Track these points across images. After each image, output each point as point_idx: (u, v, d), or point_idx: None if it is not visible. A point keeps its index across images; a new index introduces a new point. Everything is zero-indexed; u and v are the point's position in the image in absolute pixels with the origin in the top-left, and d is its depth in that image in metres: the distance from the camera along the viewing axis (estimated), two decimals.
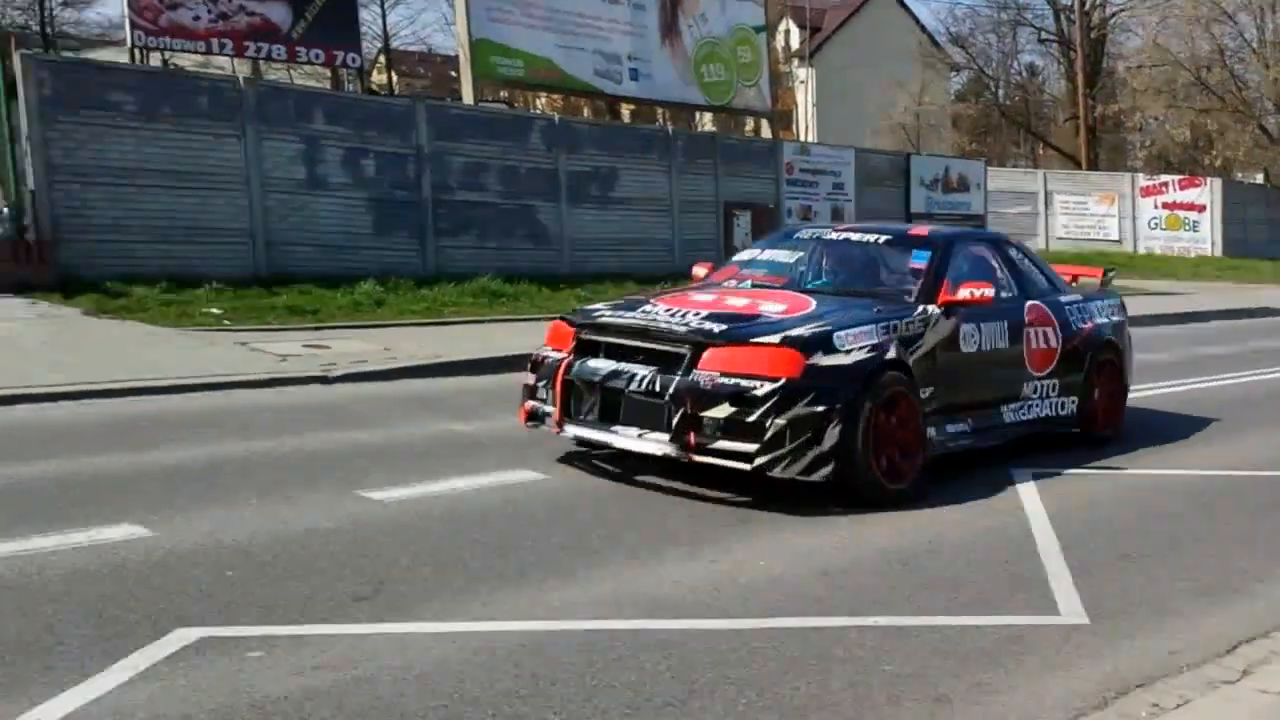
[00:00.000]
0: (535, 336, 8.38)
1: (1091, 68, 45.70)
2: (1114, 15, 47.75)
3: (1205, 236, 36.83)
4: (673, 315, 6.79)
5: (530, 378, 7.22)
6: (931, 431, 7.00)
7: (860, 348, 6.53)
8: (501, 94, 25.18)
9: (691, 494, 6.60)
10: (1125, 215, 37.48)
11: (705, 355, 6.39)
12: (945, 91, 55.70)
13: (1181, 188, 37.46)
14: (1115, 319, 9.12)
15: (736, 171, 22.21)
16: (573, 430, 6.82)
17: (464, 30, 20.44)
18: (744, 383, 6.22)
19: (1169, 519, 6.66)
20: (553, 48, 21.35)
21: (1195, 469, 7.92)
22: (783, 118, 39.13)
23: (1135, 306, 20.56)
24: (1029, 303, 8.15)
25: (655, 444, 6.40)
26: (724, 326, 6.57)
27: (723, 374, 6.28)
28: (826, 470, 6.28)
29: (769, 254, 8.48)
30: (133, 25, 17.44)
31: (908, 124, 50.06)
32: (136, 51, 17.70)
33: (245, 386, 9.56)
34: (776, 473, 6.22)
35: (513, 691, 3.91)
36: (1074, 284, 9.45)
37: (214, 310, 12.92)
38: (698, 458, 6.30)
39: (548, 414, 6.96)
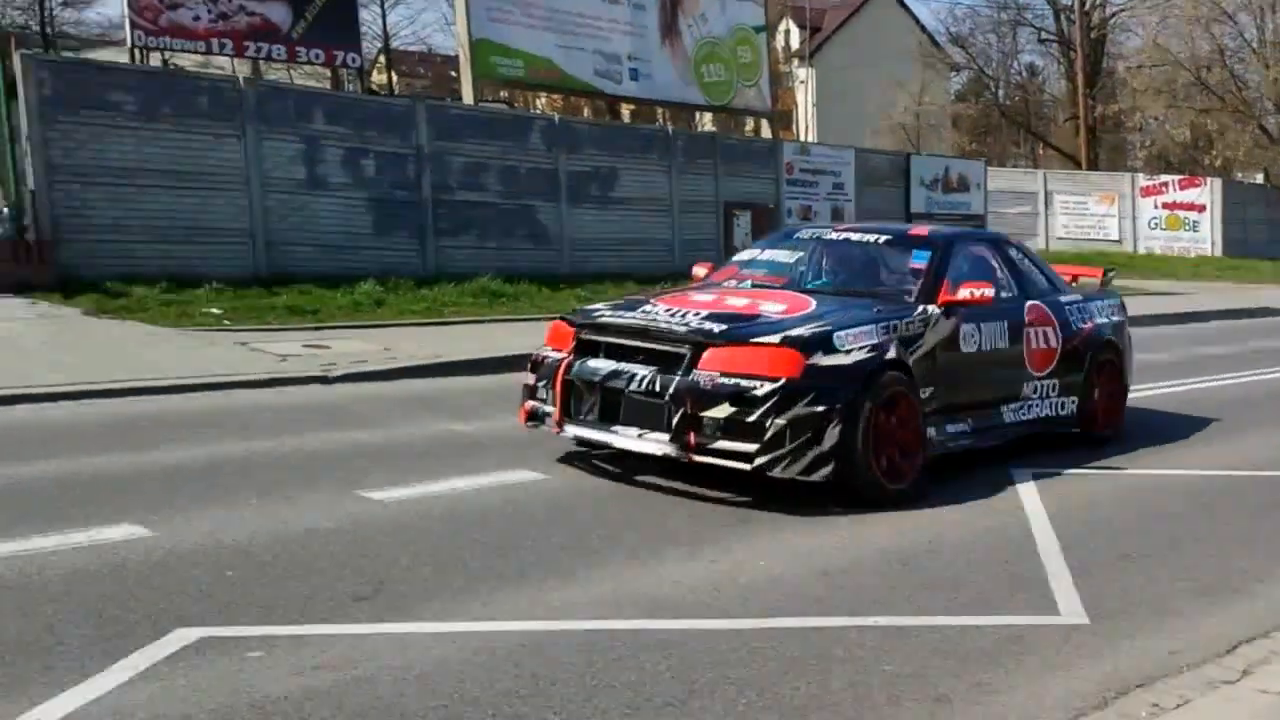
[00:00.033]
0: (535, 336, 8.38)
1: (1091, 68, 45.71)
2: (1114, 15, 47.79)
3: (1205, 236, 36.84)
4: (673, 315, 6.80)
5: (530, 378, 7.22)
6: (931, 431, 7.01)
7: (860, 348, 6.54)
8: (501, 94, 25.19)
9: (691, 494, 6.60)
10: (1125, 215, 37.49)
11: (705, 355, 6.40)
12: (945, 91, 55.72)
13: (1181, 188, 37.47)
14: (1115, 319, 9.13)
15: (736, 171, 22.22)
16: (572, 430, 6.82)
17: (464, 30, 20.45)
18: (744, 383, 6.23)
19: (1169, 519, 6.66)
20: (553, 48, 21.35)
21: (1195, 469, 7.92)
22: (783, 118, 39.13)
23: (1135, 306, 20.55)
24: (1029, 303, 8.15)
25: (655, 444, 6.41)
26: (724, 326, 6.58)
27: (723, 374, 6.29)
28: (826, 470, 6.29)
29: (769, 254, 8.48)
30: (133, 25, 17.45)
31: (908, 124, 50.07)
32: (136, 51, 17.71)
33: (245, 386, 9.56)
34: (777, 473, 6.22)
35: (513, 691, 3.91)
36: (1074, 284, 9.44)
37: (214, 310, 12.92)
38: (698, 458, 6.31)
39: (548, 414, 6.96)
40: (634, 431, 6.50)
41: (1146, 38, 44.21)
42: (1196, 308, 21.29)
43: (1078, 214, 37.70)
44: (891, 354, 6.69)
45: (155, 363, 10.07)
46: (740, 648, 4.39)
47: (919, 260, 7.69)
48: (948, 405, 7.20)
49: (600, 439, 6.75)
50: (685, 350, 6.47)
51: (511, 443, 7.65)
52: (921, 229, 8.43)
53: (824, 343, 6.44)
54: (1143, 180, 38.39)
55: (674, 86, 23.74)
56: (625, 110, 31.55)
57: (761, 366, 6.28)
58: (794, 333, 6.47)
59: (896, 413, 6.66)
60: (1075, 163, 44.65)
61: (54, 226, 13.75)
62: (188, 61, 21.88)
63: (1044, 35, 52.76)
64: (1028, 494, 7.02)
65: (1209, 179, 38.27)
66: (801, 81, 55.50)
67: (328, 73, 24.93)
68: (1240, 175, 44.51)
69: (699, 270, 8.62)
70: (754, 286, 7.80)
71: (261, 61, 22.66)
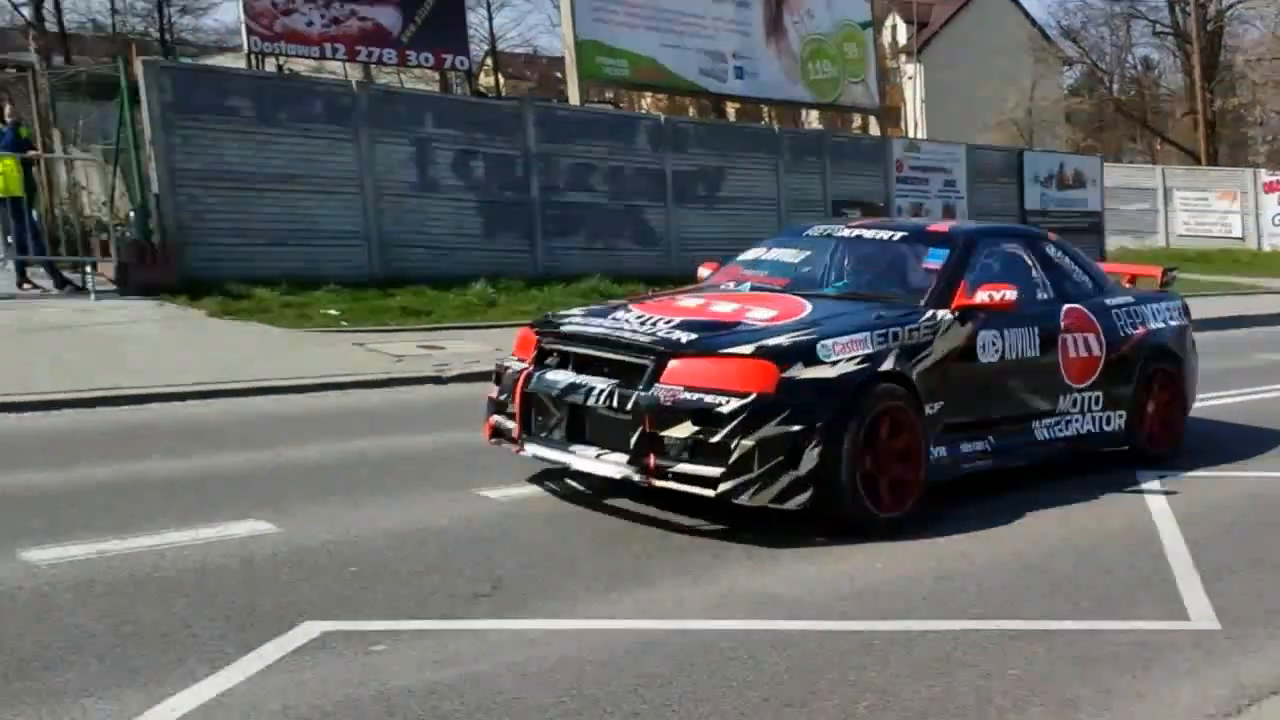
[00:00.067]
0: None
1: (1209, 61, 44.40)
2: (1230, 7, 46.34)
3: None
4: (643, 323, 6.20)
5: (494, 390, 6.62)
6: (941, 451, 6.35)
7: (849, 358, 5.89)
8: (607, 94, 25.29)
9: None
10: (1248, 212, 36.25)
11: (669, 367, 5.77)
12: (1058, 86, 54.57)
13: None
14: (1174, 323, 8.21)
15: (845, 170, 21.98)
16: (531, 449, 6.23)
17: (569, 31, 20.57)
18: (708, 398, 5.59)
19: None
20: (657, 47, 21.36)
21: None
22: (891, 115, 38.69)
23: (1253, 305, 19.98)
24: (1066, 306, 7.37)
25: (613, 466, 5.80)
26: (693, 336, 5.96)
27: (686, 388, 5.66)
28: (803, 498, 5.68)
29: (774, 253, 7.77)
30: (249, 31, 17.88)
31: (1020, 120, 49.15)
32: (252, 57, 18.15)
33: (362, 386, 9.76)
34: (744, 500, 5.59)
35: (631, 689, 3.93)
36: (1131, 285, 8.76)
37: (332, 311, 13.19)
38: (657, 482, 5.69)
39: (510, 429, 6.39)
40: (593, 452, 5.91)
41: (1265, 30, 42.77)
42: None
43: (1199, 211, 36.57)
44: (888, 365, 6.05)
45: (277, 363, 10.33)
46: (860, 649, 4.36)
47: (934, 260, 7.00)
48: (962, 422, 6.53)
49: (558, 459, 6.14)
50: (648, 362, 5.84)
51: None
52: (943, 225, 7.77)
53: (805, 353, 5.81)
54: (1265, 176, 37.09)
55: (780, 84, 23.60)
56: (730, 109, 31.49)
57: (730, 380, 5.66)
58: (770, 342, 5.86)
59: (892, 431, 6.02)
60: (1194, 158, 43.39)
61: (178, 230, 14.14)
62: (301, 66, 22.36)
63: (1159, 28, 51.38)
64: (1154, 497, 6.85)
65: None
66: (909, 78, 54.81)
67: (436, 76, 25.29)
68: None
69: (703, 271, 7.96)
70: (753, 289, 7.15)
71: (372, 65, 23.06)
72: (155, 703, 3.67)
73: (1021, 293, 6.87)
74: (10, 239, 13.20)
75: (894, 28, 54.88)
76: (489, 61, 44.99)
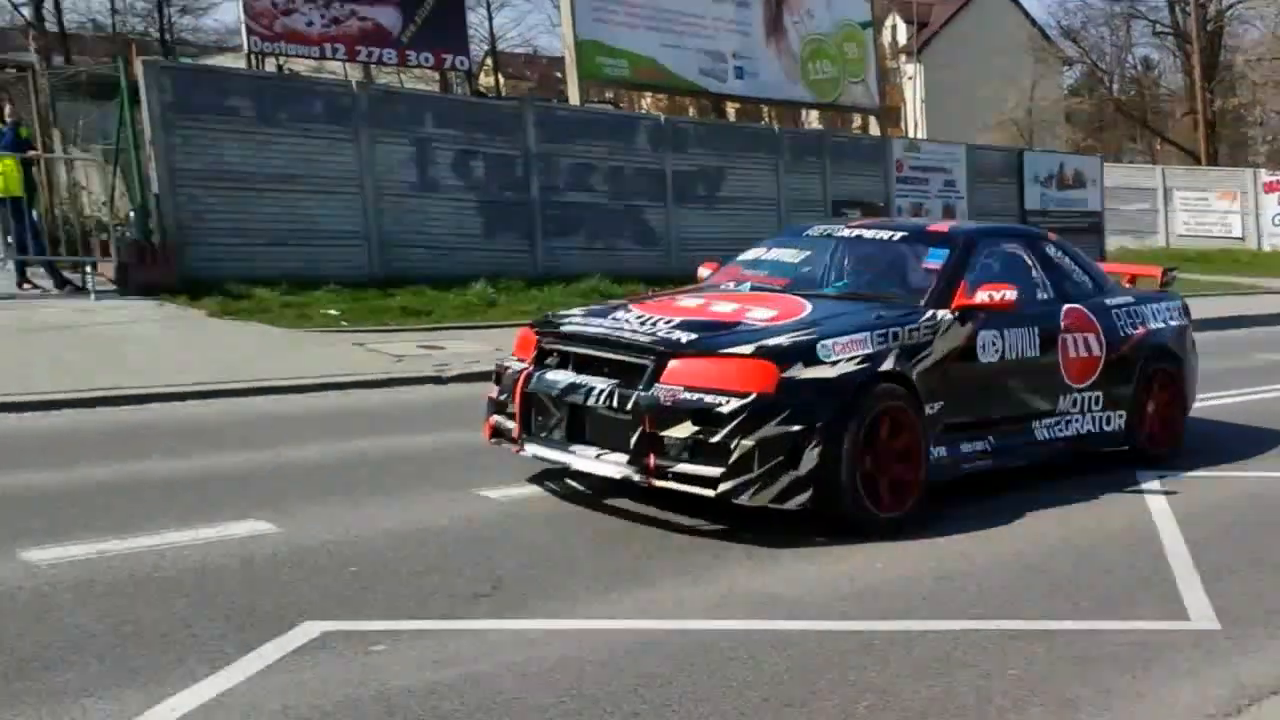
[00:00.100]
0: None
1: (1209, 61, 44.39)
2: (1230, 7, 46.33)
3: None
4: (643, 323, 6.19)
5: (494, 390, 6.61)
6: (941, 451, 6.34)
7: (849, 358, 5.89)
8: (607, 94, 25.30)
9: None
10: (1248, 212, 36.24)
11: (669, 367, 5.76)
12: (1058, 86, 54.56)
13: None
14: (1174, 323, 8.18)
15: (845, 170, 21.99)
16: (532, 449, 6.22)
17: (569, 31, 20.57)
18: (708, 398, 5.58)
19: None
20: (657, 47, 21.36)
21: None
22: (891, 115, 38.70)
23: (1253, 305, 19.98)
24: (1066, 306, 7.35)
25: (613, 466, 5.80)
26: (693, 335, 5.95)
27: (686, 388, 5.65)
28: (803, 498, 5.67)
29: (774, 253, 7.73)
30: (249, 31, 17.87)
31: (1019, 120, 49.16)
32: (252, 57, 18.14)
33: (362, 386, 9.76)
34: (744, 500, 5.59)
35: (631, 689, 3.93)
36: (1130, 285, 8.72)
37: (332, 311, 13.20)
38: (657, 482, 5.68)
39: (510, 429, 6.38)
40: (593, 452, 5.91)
41: (1265, 30, 42.78)
42: None
43: (1199, 211, 36.56)
44: (888, 365, 6.05)
45: (277, 363, 10.33)
46: (860, 649, 4.36)
47: (934, 260, 6.98)
48: (963, 422, 6.52)
49: (559, 459, 6.13)
50: (648, 362, 5.83)
51: None
52: (942, 225, 7.71)
53: (806, 353, 5.80)
54: (1265, 176, 37.08)
55: (780, 84, 23.60)
56: (730, 109, 31.51)
57: (730, 380, 5.65)
58: (771, 342, 5.85)
59: (892, 431, 6.01)
60: (1194, 158, 43.38)
61: (178, 230, 14.13)
62: (301, 66, 22.36)
63: (1159, 28, 51.38)
64: (1154, 497, 6.85)
65: None
66: (909, 78, 54.81)
67: (436, 76, 25.29)
68: None
69: (703, 271, 7.91)
70: (752, 289, 7.13)
71: (372, 65, 23.06)
72: (155, 703, 3.68)
73: (1021, 293, 6.86)
74: (10, 239, 13.21)
75: (894, 28, 54.88)
76: (489, 61, 44.98)
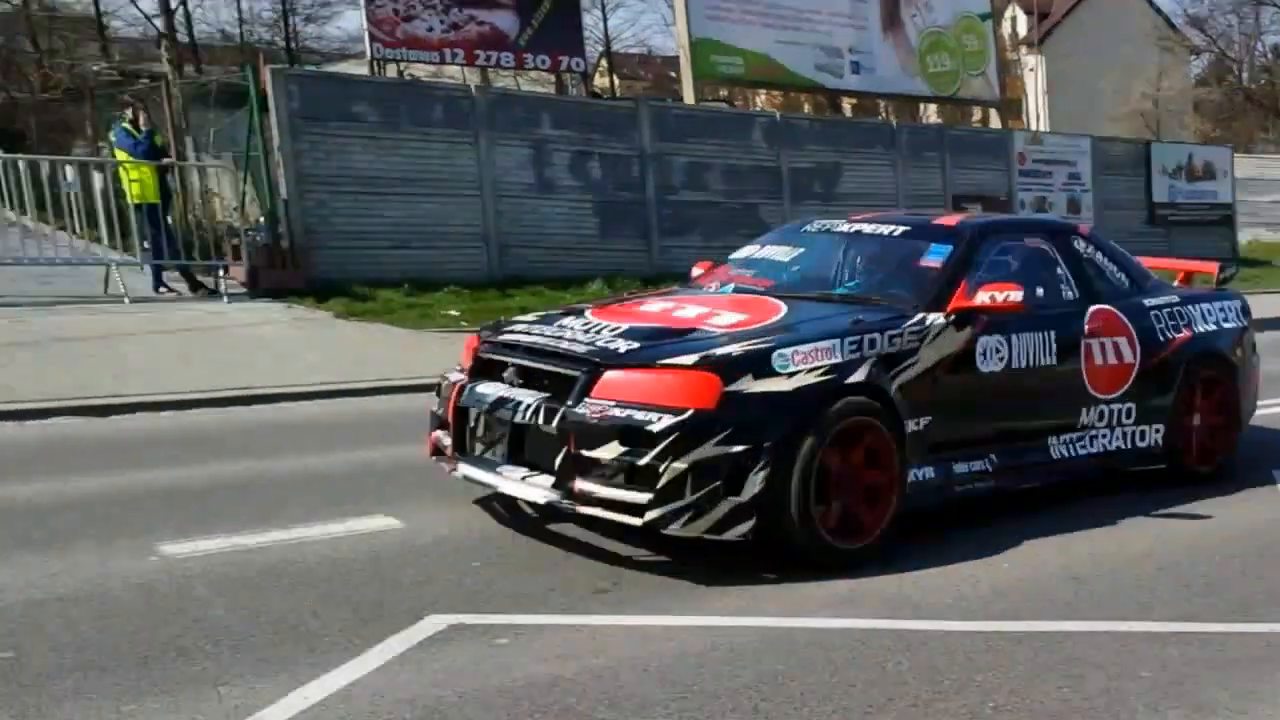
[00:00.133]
0: None
1: None
2: None
3: None
4: (587, 330, 5.62)
5: (435, 403, 6.12)
6: (927, 472, 5.67)
7: (810, 369, 5.22)
8: (721, 93, 25.25)
9: None
10: None
11: (601, 380, 5.17)
12: (1185, 76, 52.88)
13: None
14: (1229, 326, 7.33)
15: (965, 164, 21.61)
16: (463, 470, 5.65)
17: (683, 30, 20.59)
18: (639, 415, 4.97)
19: None
20: (772, 44, 21.25)
21: None
22: (1012, 107, 37.93)
23: None
24: (1094, 308, 6.62)
25: (539, 490, 5.22)
26: (634, 345, 5.34)
27: (617, 404, 5.06)
28: (744, 528, 5.01)
29: (767, 251, 7.12)
30: (372, 38, 18.24)
31: (1146, 111, 47.75)
32: (375, 63, 18.51)
33: None
34: (675, 530, 4.96)
35: (752, 686, 3.91)
36: (1186, 283, 7.97)
37: (452, 312, 13.40)
38: (582, 509, 5.11)
39: (447, 447, 5.89)
40: (520, 473, 5.35)
41: None
42: None
43: None
44: (858, 376, 5.36)
45: (400, 362, 10.53)
46: (986, 650, 4.28)
47: (934, 257, 6.29)
48: (956, 439, 5.84)
49: (487, 481, 5.52)
50: (579, 374, 5.25)
51: None
52: (951, 218, 6.98)
53: (758, 364, 5.16)
54: None
55: (897, 78, 23.29)
56: (846, 104, 31.22)
57: (666, 394, 5.04)
58: (719, 352, 5.22)
59: (859, 451, 5.34)
60: None
61: (305, 233, 14.50)
62: (421, 71, 22.76)
63: None
64: None
65: None
66: (1031, 70, 53.62)
67: (552, 78, 25.52)
68: None
69: (695, 270, 7.35)
70: (736, 290, 6.57)
71: (489, 69, 23.37)
72: (287, 691, 3.77)
73: (1042, 293, 6.44)
74: (147, 244, 13.65)
75: (1014, 19, 53.77)
76: (604, 63, 45.25)
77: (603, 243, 17.13)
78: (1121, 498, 6.46)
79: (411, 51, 18.90)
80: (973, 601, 4.83)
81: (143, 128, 13.67)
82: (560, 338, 5.60)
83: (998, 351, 6.02)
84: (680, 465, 4.90)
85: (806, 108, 36.88)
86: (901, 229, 6.72)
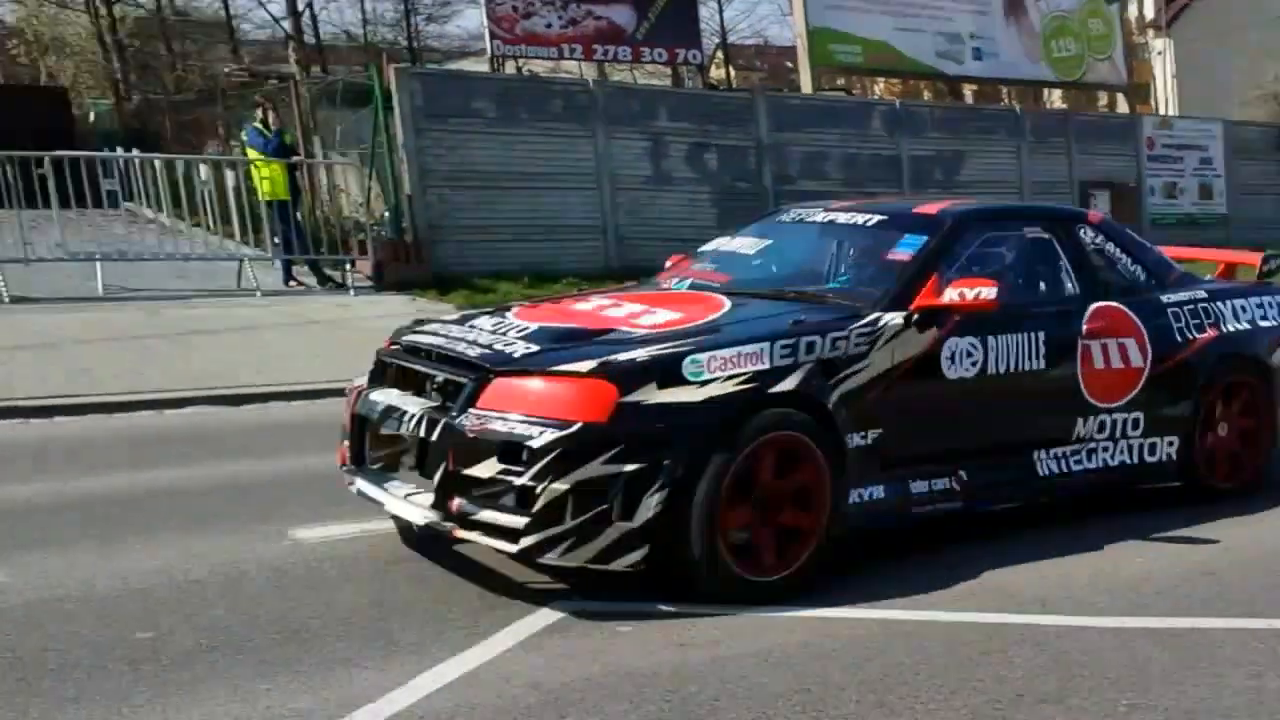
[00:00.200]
0: None
1: None
2: None
3: None
4: (496, 330, 5.06)
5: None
6: (875, 492, 5.03)
7: (728, 377, 4.61)
8: (838, 81, 25.01)
9: None
10: None
11: (489, 387, 4.61)
12: None
13: None
14: (1267, 324, 6.53)
15: (1091, 149, 21.09)
16: (357, 484, 5.11)
17: (800, 20, 20.44)
18: (520, 429, 4.41)
19: None
20: (890, 31, 20.98)
21: None
22: (1139, 91, 36.83)
23: None
24: (1096, 305, 5.89)
25: (419, 509, 4.67)
26: (533, 348, 4.77)
27: (500, 415, 4.50)
28: (635, 557, 4.42)
29: (735, 243, 6.52)
30: (491, 35, 18.44)
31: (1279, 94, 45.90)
32: (495, 60, 18.76)
33: None
34: (553, 558, 4.41)
35: (877, 679, 3.88)
36: (1227, 276, 7.32)
37: None
38: (460, 532, 4.56)
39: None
40: (404, 490, 4.84)
41: None
42: None
43: None
44: (786, 385, 4.72)
45: None
46: (1119, 647, 4.18)
47: (904, 249, 5.57)
48: (914, 454, 5.18)
49: (375, 496, 4.95)
50: (468, 380, 4.69)
51: None
52: (933, 205, 6.10)
53: (666, 370, 4.54)
54: None
55: (1020, 64, 22.80)
56: (967, 91, 30.63)
57: (553, 405, 4.47)
58: (622, 357, 4.60)
59: (782, 469, 4.72)
60: None
61: (428, 228, 14.79)
62: (539, 67, 22.97)
63: None
64: None
65: None
66: (1159, 53, 51.95)
67: (668, 71, 25.55)
68: None
69: (668, 263, 6.75)
70: (691, 286, 5.97)
71: (607, 63, 23.48)
72: (415, 674, 3.85)
73: (1039, 288, 5.96)
74: (278, 239, 14.04)
75: (1140, 1, 52.15)
76: (720, 54, 45.11)
77: (720, 233, 17.08)
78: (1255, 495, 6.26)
79: (530, 48, 19.09)
80: (1104, 596, 4.71)
81: (273, 127, 14.06)
82: (462, 339, 5.02)
83: (969, 355, 5.32)
84: (560, 486, 4.33)
85: (926, 95, 36.30)
86: (877, 218, 5.98)
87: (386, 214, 15.18)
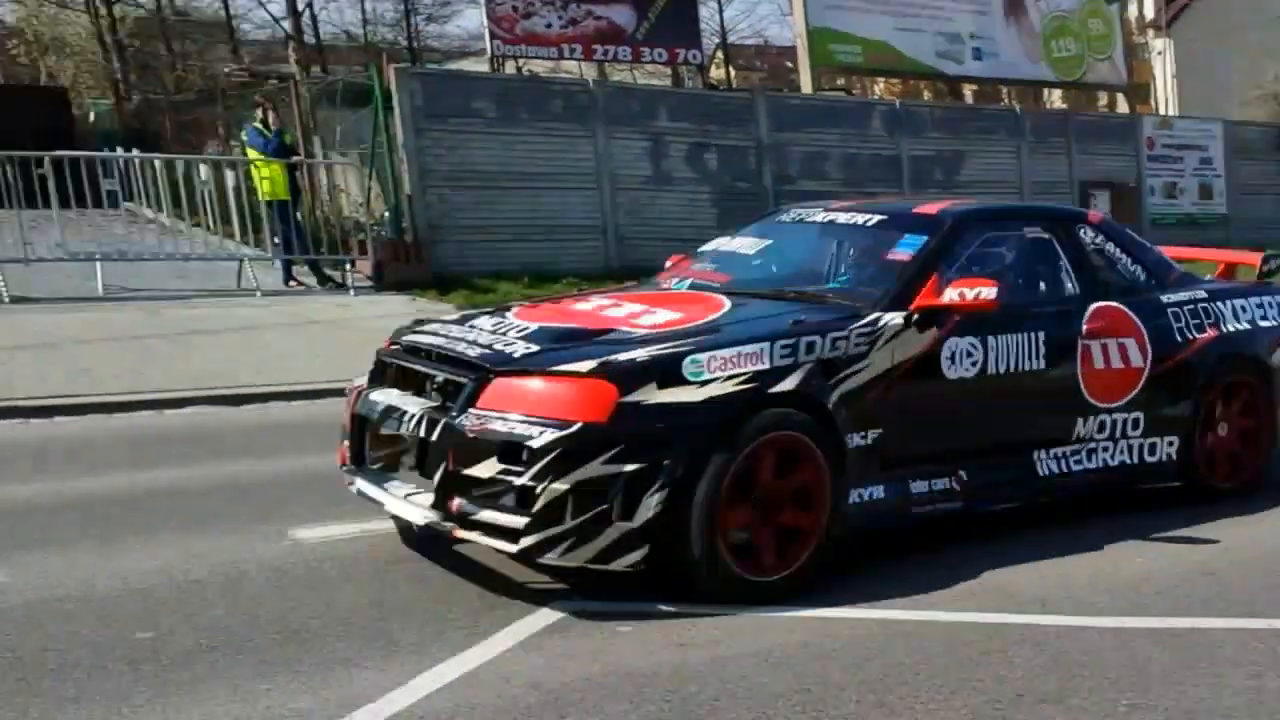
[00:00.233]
0: None
1: None
2: None
3: None
4: (496, 330, 5.04)
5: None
6: (875, 492, 5.02)
7: (729, 377, 4.59)
8: (838, 81, 25.02)
9: None
10: None
11: (490, 387, 4.59)
12: None
13: None
14: (1267, 324, 6.53)
15: (1092, 150, 21.10)
16: (357, 484, 5.10)
17: (801, 20, 20.45)
18: (520, 429, 4.40)
19: None
20: (890, 31, 20.99)
21: None
22: (1140, 91, 36.83)
23: None
24: (1096, 305, 5.87)
25: (419, 509, 4.66)
26: (534, 348, 4.75)
27: (500, 415, 4.48)
28: (635, 557, 4.41)
29: (735, 243, 6.48)
30: (492, 35, 18.43)
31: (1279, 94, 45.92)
32: (495, 60, 18.76)
33: None
34: (553, 558, 4.40)
35: (877, 679, 3.88)
36: (1227, 276, 7.32)
37: None
38: (460, 532, 4.56)
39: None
40: (404, 490, 4.84)
41: None
42: None
43: None
44: (787, 385, 4.71)
45: None
46: (1119, 647, 4.18)
47: (904, 249, 5.56)
48: (915, 453, 5.17)
49: (375, 496, 4.94)
50: (468, 380, 4.68)
51: None
52: (933, 205, 6.08)
53: (666, 370, 4.53)
54: None
55: (1020, 64, 22.81)
56: (968, 91, 30.64)
57: (554, 405, 4.46)
58: (622, 357, 4.58)
59: (782, 469, 4.70)
60: None
61: (428, 228, 14.79)
62: (539, 67, 22.98)
63: None
64: None
65: None
66: (1159, 53, 51.96)
67: (668, 71, 25.55)
68: None
69: (668, 263, 6.70)
70: (691, 286, 5.94)
71: (606, 63, 23.48)
72: (415, 674, 3.85)
73: (1039, 288, 5.94)
74: (278, 239, 14.04)
75: (1140, 1, 52.15)
76: (720, 54, 45.11)
77: (720, 233, 17.08)
78: (1256, 495, 6.26)
79: (530, 48, 19.08)
80: (1104, 596, 4.72)
81: (273, 127, 14.06)
82: (462, 339, 5.00)
83: (969, 355, 5.30)
84: (560, 486, 4.31)
85: (926, 95, 36.31)
86: (877, 218, 5.95)
87: (386, 214, 15.18)
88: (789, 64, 33.46)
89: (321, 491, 5.93)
